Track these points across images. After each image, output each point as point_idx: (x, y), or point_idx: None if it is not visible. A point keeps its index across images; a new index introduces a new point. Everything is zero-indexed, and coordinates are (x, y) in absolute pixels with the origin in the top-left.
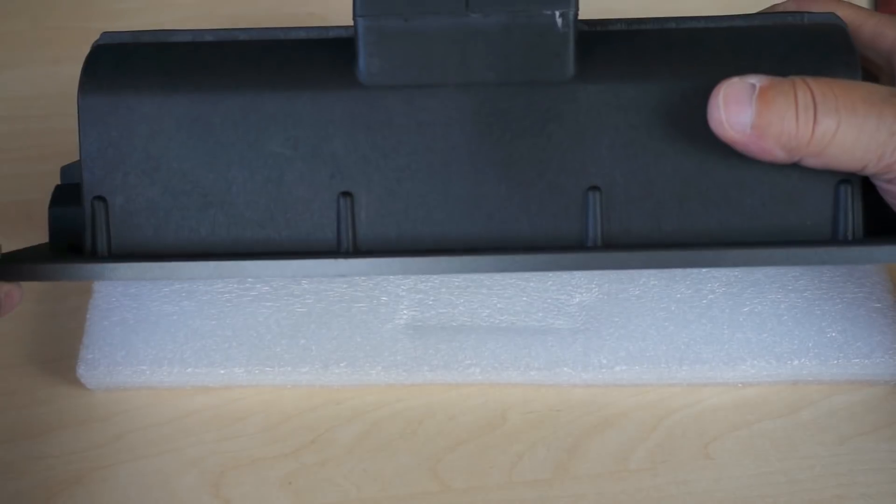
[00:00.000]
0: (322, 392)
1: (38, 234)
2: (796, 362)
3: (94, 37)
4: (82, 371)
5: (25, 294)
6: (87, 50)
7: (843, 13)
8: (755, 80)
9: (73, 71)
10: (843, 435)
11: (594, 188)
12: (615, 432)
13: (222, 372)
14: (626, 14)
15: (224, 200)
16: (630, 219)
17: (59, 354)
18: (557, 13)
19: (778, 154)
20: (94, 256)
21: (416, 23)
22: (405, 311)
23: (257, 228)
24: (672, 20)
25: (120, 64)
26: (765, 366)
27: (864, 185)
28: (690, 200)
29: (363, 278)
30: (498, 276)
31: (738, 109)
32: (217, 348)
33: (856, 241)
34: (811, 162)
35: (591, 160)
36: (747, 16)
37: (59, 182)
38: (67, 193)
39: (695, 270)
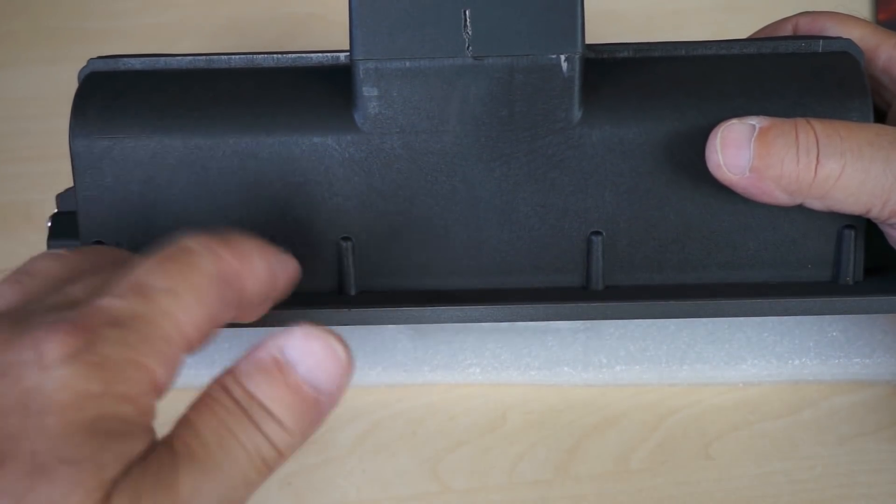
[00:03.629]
0: None
1: (37, 235)
2: (797, 362)
3: (93, 37)
4: None
5: None
6: (87, 50)
7: (860, 33)
8: (755, 121)
9: (71, 71)
10: (844, 435)
11: (597, 233)
12: (616, 432)
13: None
14: (625, 14)
15: None
16: (632, 263)
17: None
18: (563, 57)
19: (779, 196)
20: None
21: (415, 66)
22: None
23: None
24: (682, 46)
25: (111, 104)
26: (766, 365)
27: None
28: (693, 243)
29: None
30: None
31: (736, 152)
32: (217, 348)
33: (857, 287)
34: (814, 204)
35: (595, 205)
36: (759, 41)
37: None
38: (65, 224)
39: None
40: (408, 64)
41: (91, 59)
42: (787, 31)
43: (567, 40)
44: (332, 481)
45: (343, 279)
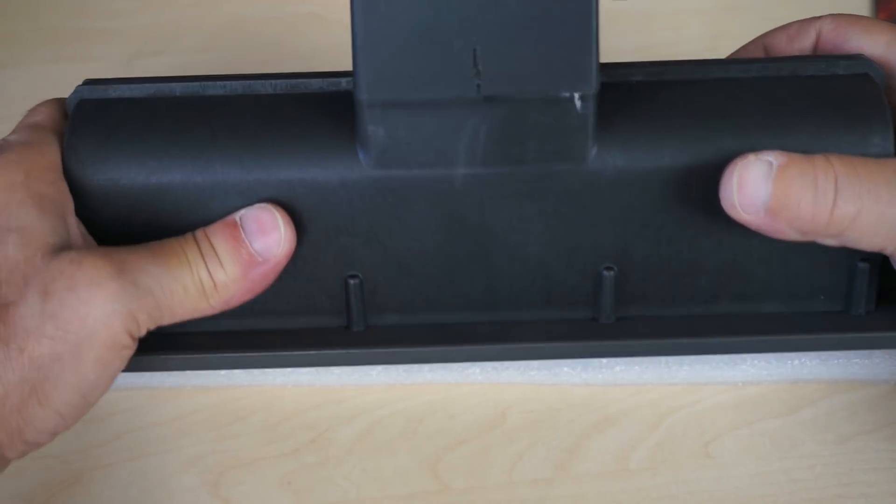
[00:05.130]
0: (322, 391)
1: None
2: (797, 361)
3: (93, 36)
4: None
5: None
6: (87, 49)
7: (887, 38)
8: (773, 157)
9: (72, 70)
10: (843, 434)
11: (609, 268)
12: (615, 431)
13: (222, 373)
14: (626, 14)
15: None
16: (644, 296)
17: None
18: (577, 95)
19: (791, 235)
20: None
21: (423, 104)
22: None
23: (266, 315)
24: (697, 68)
25: (104, 143)
26: (765, 365)
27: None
28: (704, 275)
29: None
30: None
31: (753, 193)
32: None
33: (870, 320)
34: (828, 241)
35: (607, 240)
36: (778, 63)
37: None
38: None
39: None
40: (415, 102)
41: (80, 85)
42: (811, 36)
43: (581, 78)
44: (331, 480)
45: (350, 316)
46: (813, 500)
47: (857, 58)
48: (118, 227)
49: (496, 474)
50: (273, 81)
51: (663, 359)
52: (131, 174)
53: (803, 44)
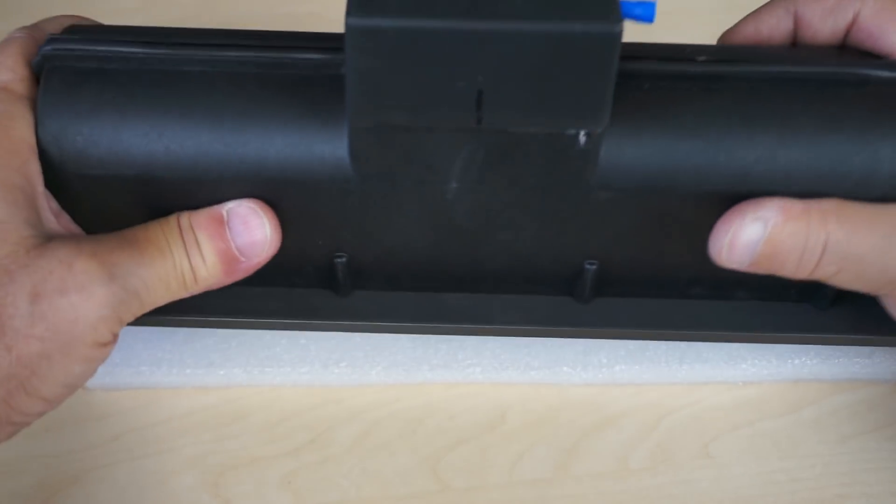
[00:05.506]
0: (321, 391)
1: None
2: (797, 361)
3: None
4: None
5: None
6: None
7: None
8: (770, 214)
9: None
10: (844, 434)
11: (591, 263)
12: (615, 431)
13: (221, 373)
14: None
15: None
16: (621, 283)
17: None
18: (582, 133)
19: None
20: None
21: (417, 131)
22: None
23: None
24: (711, 71)
25: (86, 127)
26: (765, 365)
27: None
28: (682, 272)
29: None
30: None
31: (742, 252)
32: (216, 348)
33: (833, 315)
34: None
35: (594, 243)
36: (803, 66)
37: None
38: None
39: None
40: (409, 128)
41: (44, 45)
42: (848, 15)
43: (592, 118)
44: (331, 480)
45: (336, 287)
46: (814, 501)
47: (891, 63)
48: (98, 210)
49: (496, 474)
50: (261, 55)
51: (663, 358)
52: (116, 164)
53: (837, 22)
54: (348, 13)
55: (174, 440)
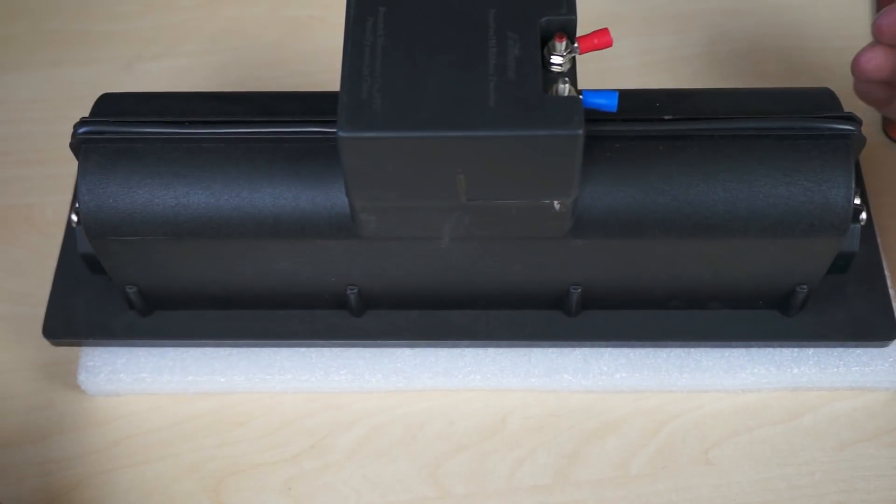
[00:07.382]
0: (322, 397)
1: (37, 238)
2: (796, 370)
3: (95, 39)
4: (83, 378)
5: (27, 300)
6: (89, 52)
7: None
8: None
9: (73, 73)
10: (843, 441)
11: (576, 287)
12: (615, 438)
13: (223, 380)
14: (626, 17)
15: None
16: (603, 300)
17: (59, 360)
18: (557, 203)
19: None
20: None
21: (411, 206)
22: None
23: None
24: (689, 119)
25: (121, 206)
26: (764, 373)
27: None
28: (660, 290)
29: None
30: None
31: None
32: (218, 356)
33: (801, 321)
34: None
35: (576, 274)
36: (768, 122)
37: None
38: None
39: None
40: (403, 205)
41: (79, 128)
42: None
43: (562, 193)
44: (331, 486)
45: (351, 308)
46: None
47: (841, 119)
48: (130, 266)
49: (496, 480)
50: (269, 130)
51: (663, 366)
52: (148, 230)
53: None
54: (339, 127)
55: (175, 446)
